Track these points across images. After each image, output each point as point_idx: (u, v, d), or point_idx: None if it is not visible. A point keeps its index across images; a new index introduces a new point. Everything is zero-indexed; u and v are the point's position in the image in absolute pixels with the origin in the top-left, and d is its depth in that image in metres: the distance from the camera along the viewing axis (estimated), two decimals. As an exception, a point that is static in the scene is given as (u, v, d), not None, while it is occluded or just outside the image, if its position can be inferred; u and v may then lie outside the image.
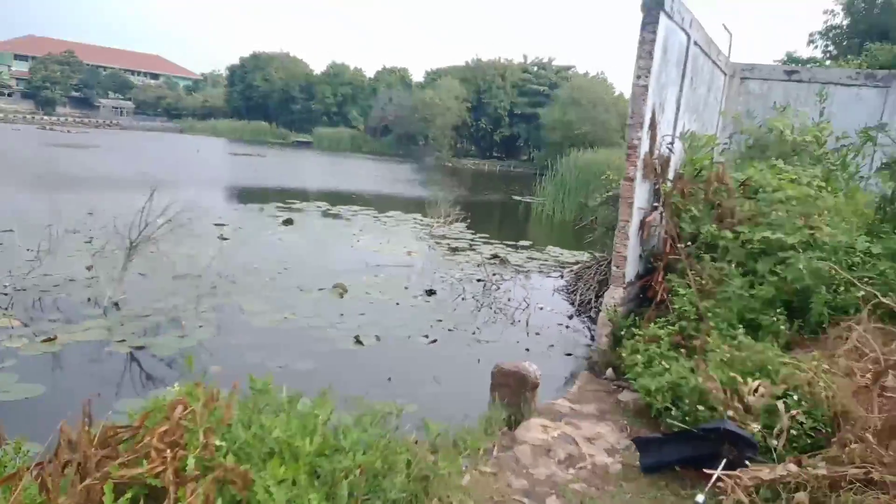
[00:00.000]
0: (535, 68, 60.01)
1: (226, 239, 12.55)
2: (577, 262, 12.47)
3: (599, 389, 6.12)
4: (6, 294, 7.97)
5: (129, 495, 2.49)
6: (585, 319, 9.28)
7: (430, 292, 10.04)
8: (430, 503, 3.60)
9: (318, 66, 76.95)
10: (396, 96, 63.02)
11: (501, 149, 61.31)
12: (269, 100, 74.07)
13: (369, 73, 74.77)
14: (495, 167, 54.59)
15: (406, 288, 10.23)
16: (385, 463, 3.45)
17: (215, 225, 14.02)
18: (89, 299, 8.16)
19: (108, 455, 2.85)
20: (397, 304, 9.32)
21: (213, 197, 19.58)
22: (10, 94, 78.48)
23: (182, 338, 7.17)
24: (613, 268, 7.08)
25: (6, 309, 7.47)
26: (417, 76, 72.47)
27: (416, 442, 3.96)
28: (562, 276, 12.05)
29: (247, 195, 22.44)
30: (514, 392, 5.17)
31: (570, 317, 9.45)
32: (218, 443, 2.87)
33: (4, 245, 10.31)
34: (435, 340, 7.84)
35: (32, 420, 3.77)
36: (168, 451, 2.78)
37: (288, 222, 15.94)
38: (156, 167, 10.03)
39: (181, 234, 9.56)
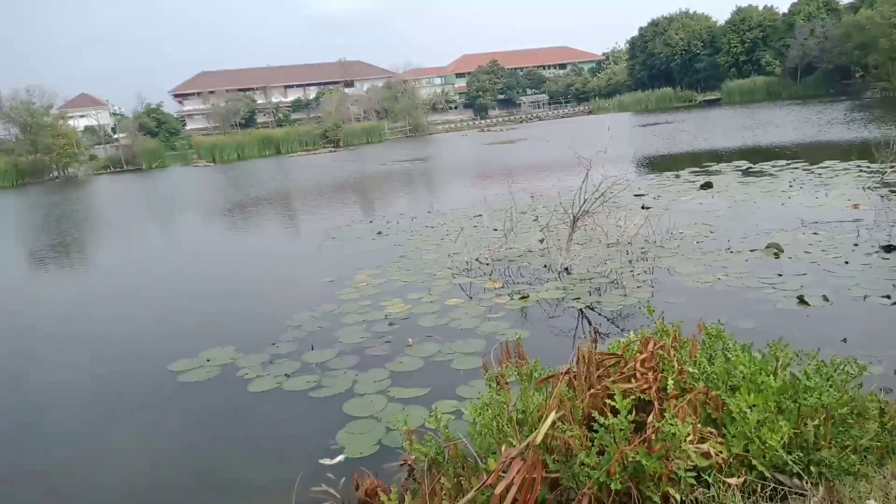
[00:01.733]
0: None
1: (648, 208, 13.17)
2: None
3: None
4: (488, 264, 10.22)
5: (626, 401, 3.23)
6: None
7: (889, 248, 8.73)
8: (911, 458, 3.44)
9: (721, 16, 71.19)
10: (820, 27, 53.93)
11: None
12: (670, 64, 72.31)
13: (783, 7, 65.50)
14: (979, 86, 41.79)
15: (855, 245, 9.12)
16: (852, 410, 3.46)
17: (635, 196, 14.82)
18: (545, 266, 9.81)
19: (601, 374, 3.70)
20: (846, 262, 8.42)
21: (627, 169, 20.54)
22: (455, 107, 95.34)
23: (624, 297, 8.04)
24: None
25: (490, 275, 9.62)
26: (846, -4, 60.38)
27: (888, 402, 3.78)
28: None
29: (659, 163, 22.72)
30: None
31: None
32: (691, 370, 3.42)
33: (478, 227, 13.05)
34: (901, 301, 6.90)
35: (532, 353, 4.99)
36: (649, 374, 3.46)
37: (706, 186, 15.69)
38: (574, 149, 11.27)
39: (608, 207, 10.59)
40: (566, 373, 3.56)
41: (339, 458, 4.83)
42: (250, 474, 4.87)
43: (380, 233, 14.14)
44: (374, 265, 10.98)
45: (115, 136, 71.88)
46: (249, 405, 6.04)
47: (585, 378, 3.60)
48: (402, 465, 4.74)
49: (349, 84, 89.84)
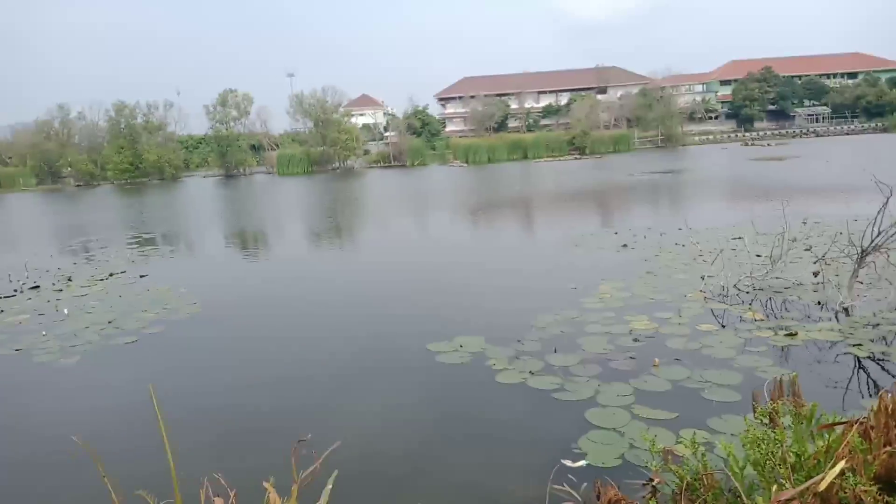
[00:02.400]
0: None
1: (962, 249, 10.92)
2: None
3: None
4: (748, 292, 9.43)
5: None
6: None
7: None
8: None
9: None
10: None
11: None
12: None
13: None
14: None
15: None
16: None
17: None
18: (819, 303, 8.73)
19: (903, 433, 3.23)
20: None
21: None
22: (716, 117, 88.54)
23: (925, 351, 6.82)
24: None
25: (750, 304, 8.87)
26: None
27: None
28: None
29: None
30: None
31: None
32: None
33: (737, 251, 12.07)
34: None
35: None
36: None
37: None
38: (870, 172, 9.70)
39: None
40: (859, 422, 3.19)
41: (581, 462, 4.92)
42: (497, 458, 5.21)
43: (625, 245, 13.85)
44: (618, 277, 10.83)
45: (386, 134, 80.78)
46: (497, 394, 6.43)
47: (884, 432, 3.19)
48: (645, 484, 4.68)
49: (602, 90, 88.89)
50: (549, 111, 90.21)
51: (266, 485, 3.58)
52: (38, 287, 13.17)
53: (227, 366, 8.00)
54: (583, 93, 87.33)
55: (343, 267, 14.50)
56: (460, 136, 77.08)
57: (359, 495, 4.72)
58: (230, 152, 67.17)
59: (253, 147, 72.28)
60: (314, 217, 25.07)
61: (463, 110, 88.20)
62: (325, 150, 65.83)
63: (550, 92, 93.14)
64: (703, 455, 3.95)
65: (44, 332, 9.59)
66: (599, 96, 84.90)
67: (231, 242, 19.98)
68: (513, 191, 30.42)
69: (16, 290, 12.96)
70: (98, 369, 8.04)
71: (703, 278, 10.00)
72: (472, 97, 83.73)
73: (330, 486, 3.46)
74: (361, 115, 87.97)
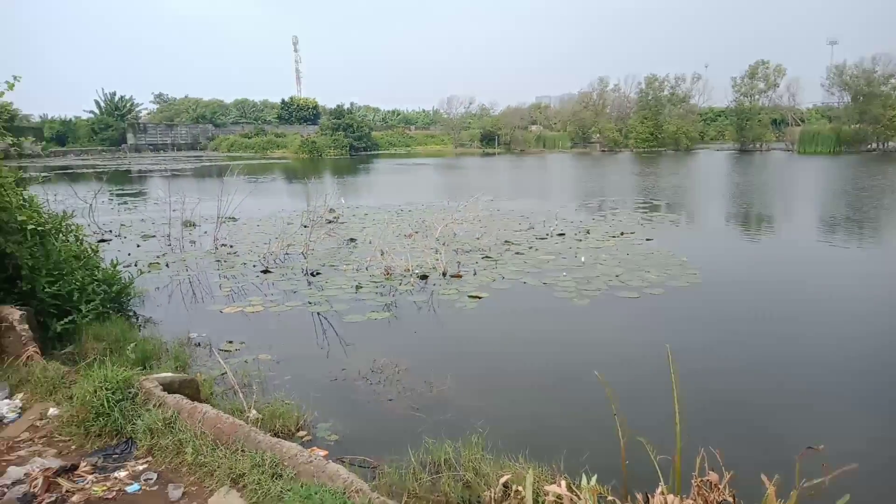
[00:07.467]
0: None
1: None
2: None
3: None
4: None
5: None
6: None
7: None
8: None
9: None
10: None
11: None
12: None
13: None
14: None
15: None
16: None
17: None
18: None
19: None
20: None
21: None
22: None
23: None
24: None
25: None
26: None
27: None
28: None
29: None
30: None
31: None
32: None
33: None
34: None
35: None
36: None
37: None
38: None
39: None
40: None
41: None
42: None
43: None
44: None
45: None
46: None
47: None
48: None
49: None
50: None
51: (766, 480, 3.46)
52: (563, 234, 15.53)
53: (727, 341, 7.90)
54: None
55: (859, 269, 12.24)
56: None
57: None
58: (749, 126, 63.98)
59: (774, 122, 67.16)
60: (827, 205, 21.76)
61: None
62: (862, 127, 55.93)
63: None
64: None
65: (564, 273, 11.30)
66: None
67: (733, 220, 19.27)
68: None
69: (547, 234, 15.58)
70: (605, 315, 9.06)
71: None
72: None
73: (839, 509, 3.10)
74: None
